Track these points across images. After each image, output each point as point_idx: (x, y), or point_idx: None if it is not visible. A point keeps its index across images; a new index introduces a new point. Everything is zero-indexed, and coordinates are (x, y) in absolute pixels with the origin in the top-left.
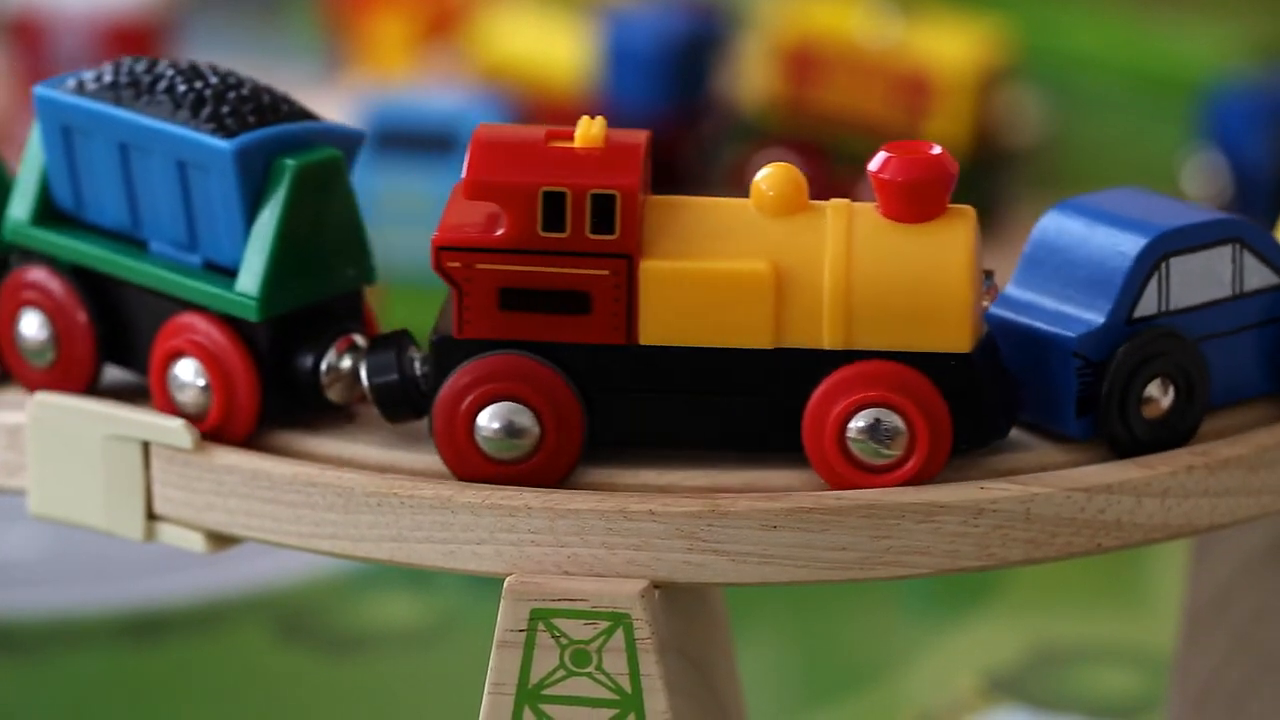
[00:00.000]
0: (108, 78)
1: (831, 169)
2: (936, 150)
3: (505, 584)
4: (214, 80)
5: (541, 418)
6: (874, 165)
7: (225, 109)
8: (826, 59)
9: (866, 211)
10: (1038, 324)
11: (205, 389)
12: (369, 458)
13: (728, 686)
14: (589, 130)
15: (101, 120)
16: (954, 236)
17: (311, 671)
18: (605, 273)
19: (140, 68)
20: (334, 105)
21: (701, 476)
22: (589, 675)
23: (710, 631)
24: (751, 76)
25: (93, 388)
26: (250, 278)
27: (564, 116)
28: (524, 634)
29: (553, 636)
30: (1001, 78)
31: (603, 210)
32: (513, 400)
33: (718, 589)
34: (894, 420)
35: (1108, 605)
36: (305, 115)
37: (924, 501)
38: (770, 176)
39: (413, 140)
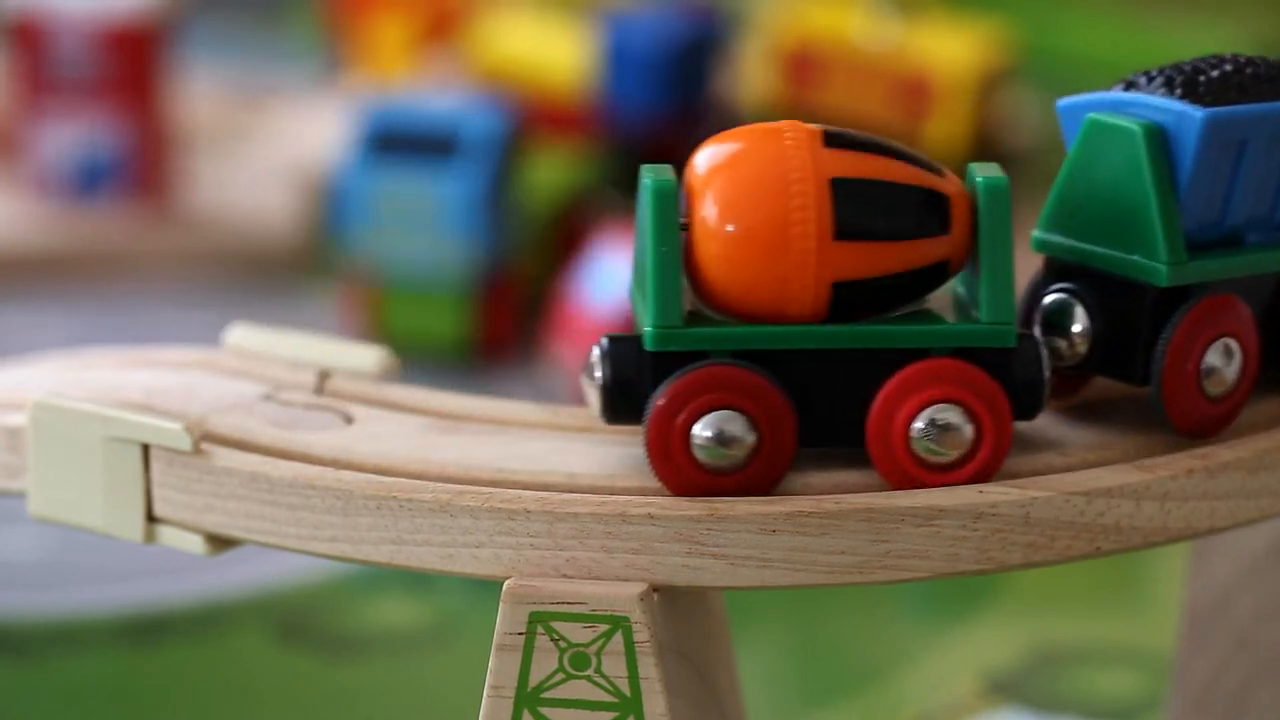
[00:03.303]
0: (1206, 81)
1: None
2: None
3: (504, 587)
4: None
5: None
6: None
7: None
8: (826, 61)
9: None
10: None
11: None
12: (366, 459)
13: (727, 689)
14: None
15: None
16: None
17: (311, 674)
18: None
19: (1187, 69)
20: (334, 107)
21: None
22: (588, 678)
23: (709, 634)
24: (751, 78)
25: None
26: None
27: (563, 119)
28: (523, 637)
29: (552, 639)
30: (1001, 79)
31: None
32: None
33: (717, 591)
34: None
35: (1107, 607)
36: None
37: (923, 505)
38: None
39: (412, 142)
